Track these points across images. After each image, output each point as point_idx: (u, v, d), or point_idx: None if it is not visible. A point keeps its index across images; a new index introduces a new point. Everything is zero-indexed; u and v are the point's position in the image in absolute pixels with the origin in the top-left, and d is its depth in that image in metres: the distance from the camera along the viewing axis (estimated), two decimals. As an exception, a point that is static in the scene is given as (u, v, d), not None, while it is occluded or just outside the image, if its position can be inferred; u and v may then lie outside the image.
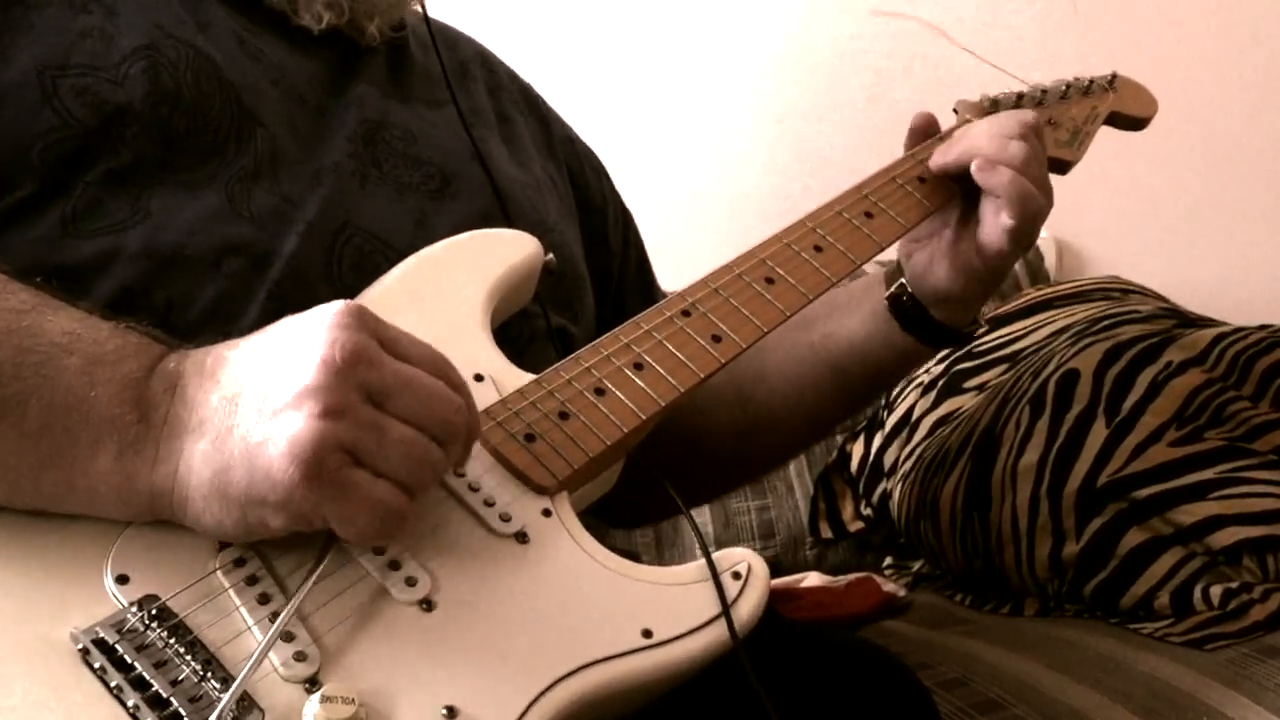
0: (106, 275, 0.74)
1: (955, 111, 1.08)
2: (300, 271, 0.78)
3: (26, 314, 0.62)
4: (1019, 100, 1.09)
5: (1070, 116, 1.10)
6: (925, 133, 1.02)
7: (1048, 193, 0.96)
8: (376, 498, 0.59)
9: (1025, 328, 1.60)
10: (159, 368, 0.63)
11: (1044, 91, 1.11)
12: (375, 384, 0.60)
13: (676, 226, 1.92)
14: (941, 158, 0.96)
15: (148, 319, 0.68)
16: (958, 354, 1.63)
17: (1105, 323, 1.45)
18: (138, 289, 0.74)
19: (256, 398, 0.60)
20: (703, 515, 1.64)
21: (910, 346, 0.99)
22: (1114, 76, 1.15)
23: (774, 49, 2.00)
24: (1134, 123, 1.16)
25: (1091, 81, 1.14)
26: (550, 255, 0.86)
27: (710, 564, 0.68)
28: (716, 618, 0.66)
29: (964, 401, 1.54)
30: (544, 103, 1.12)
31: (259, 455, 0.58)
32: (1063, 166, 1.09)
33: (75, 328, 0.63)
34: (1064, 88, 1.12)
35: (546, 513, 0.70)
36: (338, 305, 0.62)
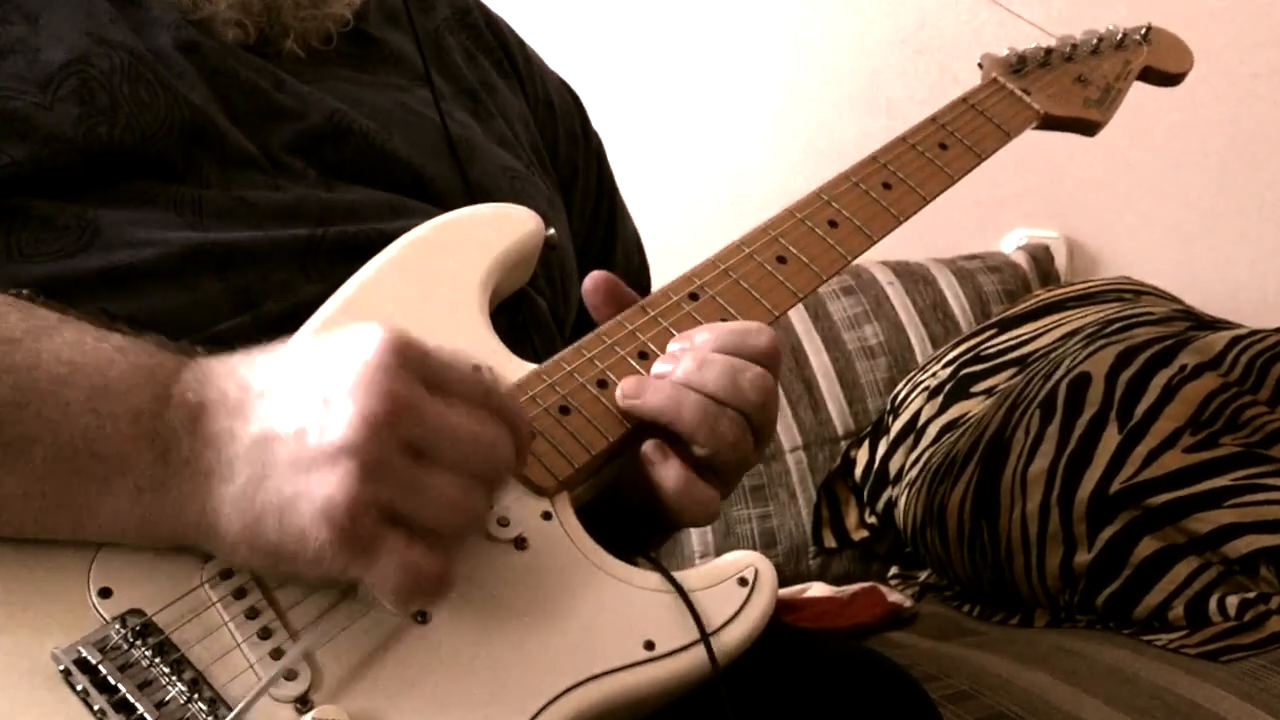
0: (62, 300, 0.70)
1: (981, 66, 1.05)
2: (270, 270, 0.76)
3: (19, 344, 0.60)
4: (1047, 55, 1.05)
5: (1101, 73, 1.07)
6: (609, 298, 0.81)
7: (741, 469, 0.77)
8: (410, 561, 0.57)
9: (1035, 330, 1.60)
10: (174, 397, 0.60)
11: (1074, 45, 1.08)
12: (417, 436, 0.57)
13: (679, 226, 1.92)
14: (634, 398, 0.73)
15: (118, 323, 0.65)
16: (965, 357, 1.63)
17: (1117, 325, 1.45)
18: (95, 313, 0.70)
19: (290, 445, 0.57)
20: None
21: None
22: (1149, 29, 1.12)
23: (776, 44, 2.00)
24: (1169, 78, 1.12)
25: (1125, 35, 1.10)
26: (552, 230, 0.83)
27: (682, 594, 0.67)
28: (720, 628, 0.66)
29: (972, 406, 1.54)
30: (524, 59, 1.06)
31: (291, 511, 0.56)
32: (1091, 128, 1.05)
33: (74, 356, 0.60)
34: (1095, 41, 1.09)
35: (546, 515, 0.69)
36: (378, 339, 0.58)
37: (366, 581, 0.58)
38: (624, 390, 0.73)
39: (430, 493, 0.58)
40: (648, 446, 0.72)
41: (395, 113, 0.89)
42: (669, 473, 0.72)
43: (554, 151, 1.04)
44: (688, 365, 0.73)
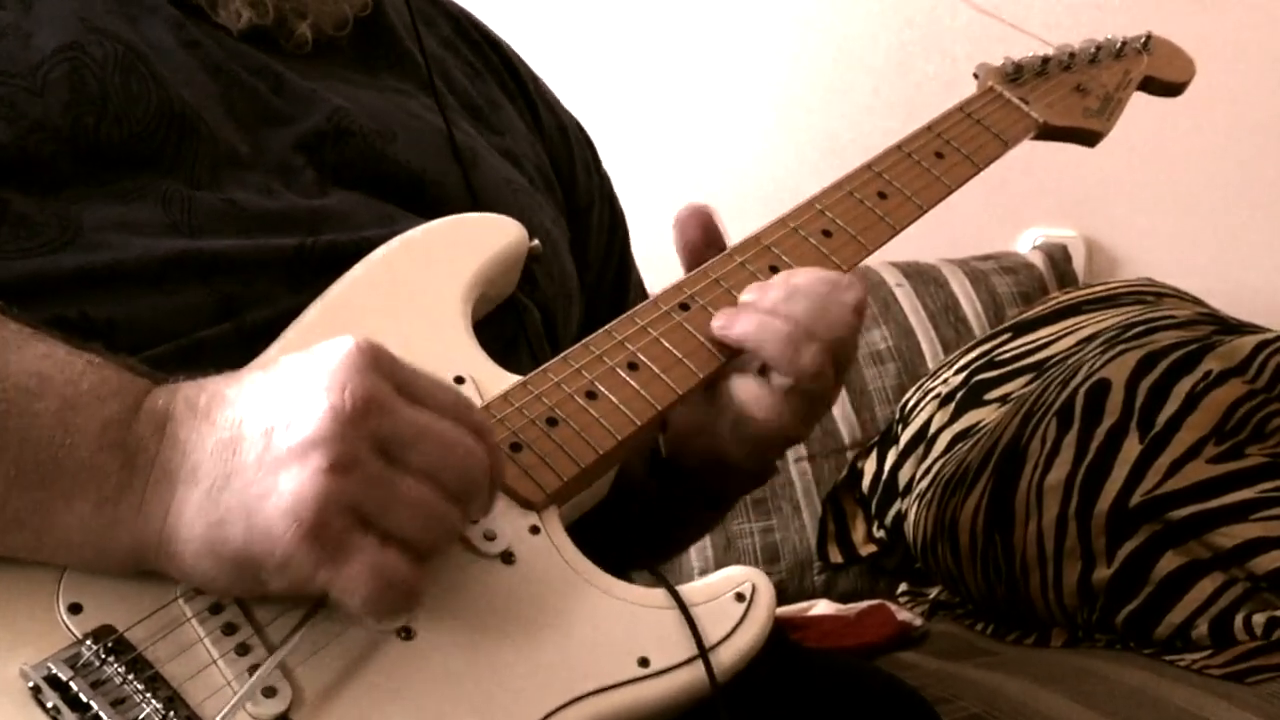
0: (40, 299, 0.72)
1: (976, 76, 1.06)
2: (255, 279, 0.77)
3: None
4: (1044, 65, 1.07)
5: (1100, 82, 1.09)
6: (697, 232, 0.87)
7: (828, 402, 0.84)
8: (381, 566, 0.58)
9: (1052, 334, 1.61)
10: (144, 406, 0.61)
11: (1072, 55, 1.10)
12: (388, 434, 0.59)
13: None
14: (724, 328, 0.80)
15: (89, 343, 0.66)
16: (978, 363, 1.63)
17: (1138, 329, 1.45)
18: (73, 314, 0.72)
19: (257, 446, 0.59)
20: (702, 538, 1.65)
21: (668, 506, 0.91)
22: (1148, 37, 1.14)
23: (779, 41, 2.01)
24: (1170, 88, 1.15)
25: (1124, 43, 1.13)
26: (535, 241, 0.85)
27: (682, 607, 0.68)
28: (716, 645, 0.67)
29: (985, 414, 1.55)
30: (532, 81, 1.09)
31: (258, 511, 0.57)
32: (1091, 138, 1.07)
33: (43, 368, 0.61)
34: (1094, 50, 1.11)
35: (534, 530, 0.70)
36: (348, 343, 0.60)
37: (334, 589, 0.58)
38: (715, 323, 0.80)
39: (402, 496, 0.59)
40: (738, 382, 0.79)
41: (398, 116, 0.91)
42: (760, 394, 0.78)
43: (572, 179, 1.07)
44: (776, 295, 0.79)
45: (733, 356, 0.80)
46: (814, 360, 0.78)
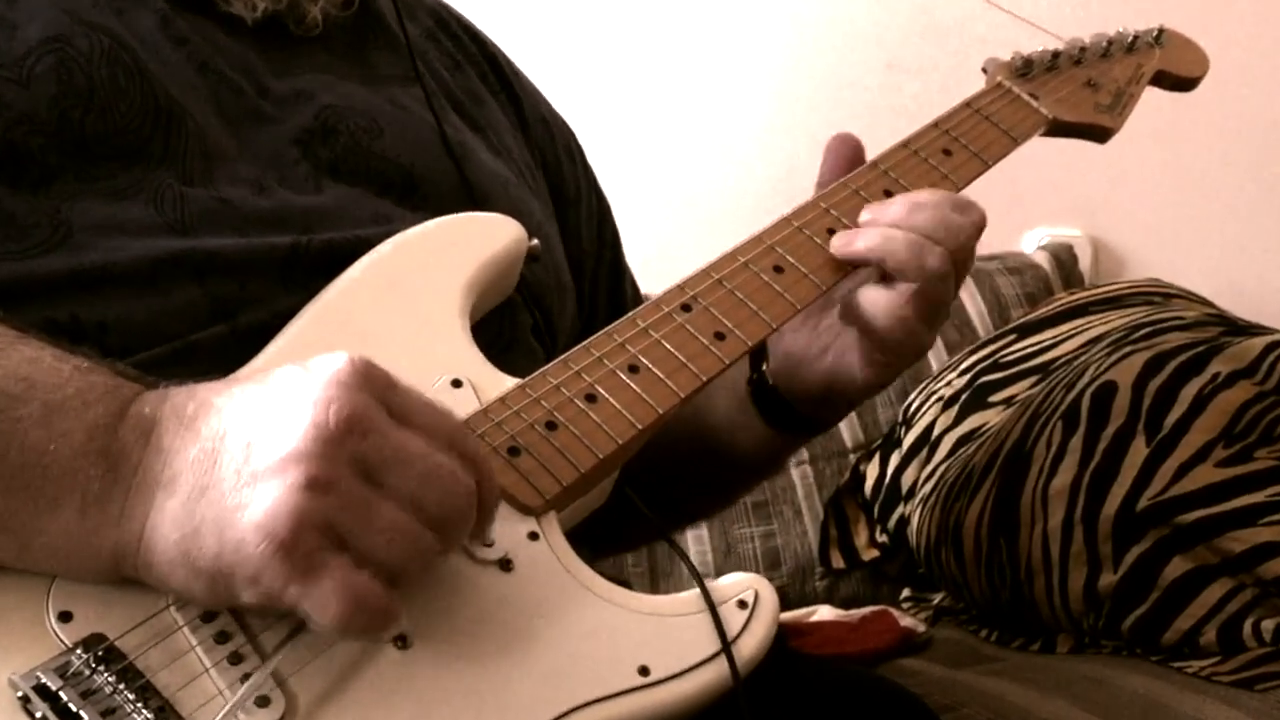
0: (30, 302, 0.72)
1: (984, 71, 1.06)
2: (249, 279, 0.78)
3: None
4: (1054, 59, 1.07)
5: (1112, 77, 1.09)
6: (846, 158, 0.95)
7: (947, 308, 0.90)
8: (352, 587, 0.57)
9: (1057, 336, 1.61)
10: (131, 411, 0.61)
11: (1083, 49, 1.09)
12: (371, 455, 0.59)
13: (681, 227, 1.93)
14: (845, 245, 0.87)
15: (79, 346, 0.66)
16: (983, 365, 1.63)
17: (1145, 330, 1.45)
18: (64, 317, 0.72)
19: (237, 457, 0.59)
20: (701, 543, 1.65)
21: (772, 439, 0.97)
22: (1161, 31, 1.14)
23: (781, 39, 2.01)
24: (1183, 83, 1.15)
25: (1136, 37, 1.12)
26: (535, 240, 0.85)
27: (706, 596, 0.68)
28: (719, 653, 0.67)
29: (990, 417, 1.55)
30: (514, 74, 1.09)
31: (231, 523, 0.57)
32: (1102, 134, 1.07)
33: (29, 372, 0.61)
34: (1105, 44, 1.11)
35: (533, 536, 0.70)
36: (341, 359, 0.60)
37: (305, 606, 0.58)
38: (835, 243, 0.86)
39: (378, 519, 0.59)
40: (868, 293, 0.85)
41: (385, 110, 0.91)
42: (891, 299, 0.84)
43: (558, 171, 1.07)
44: (898, 210, 0.86)
45: (839, 281, 0.86)
46: (939, 262, 0.83)
